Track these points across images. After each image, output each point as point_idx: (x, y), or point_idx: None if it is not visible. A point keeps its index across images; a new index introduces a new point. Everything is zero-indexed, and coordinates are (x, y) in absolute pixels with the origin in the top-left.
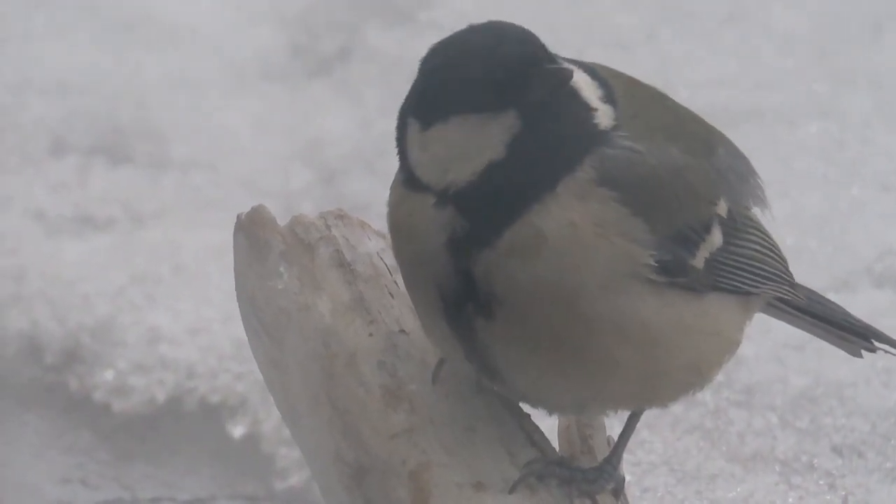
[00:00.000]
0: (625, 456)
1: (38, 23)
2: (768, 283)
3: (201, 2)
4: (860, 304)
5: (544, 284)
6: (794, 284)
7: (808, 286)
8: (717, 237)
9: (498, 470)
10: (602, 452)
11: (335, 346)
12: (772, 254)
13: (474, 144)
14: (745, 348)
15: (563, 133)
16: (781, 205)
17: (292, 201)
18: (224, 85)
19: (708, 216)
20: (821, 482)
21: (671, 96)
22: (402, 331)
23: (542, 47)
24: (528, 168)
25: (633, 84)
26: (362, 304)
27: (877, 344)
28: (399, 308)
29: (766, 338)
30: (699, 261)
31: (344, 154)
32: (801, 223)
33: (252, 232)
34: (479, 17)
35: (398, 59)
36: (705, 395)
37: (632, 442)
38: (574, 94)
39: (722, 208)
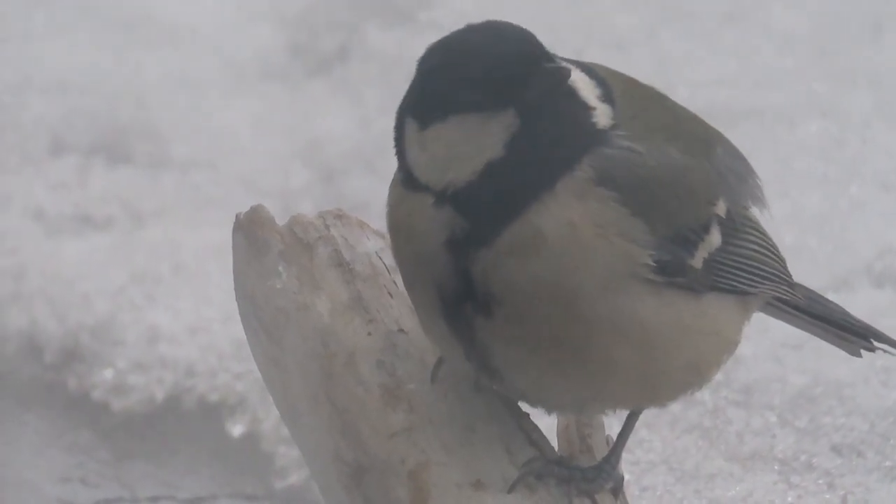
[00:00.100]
0: (623, 455)
1: (38, 22)
2: (767, 282)
3: (201, 2)
4: (860, 304)
5: (543, 284)
6: (792, 284)
7: (808, 285)
8: (715, 237)
9: (497, 469)
10: (601, 451)
11: (334, 345)
12: (770, 253)
13: (473, 144)
14: (744, 348)
15: (561, 132)
16: (781, 204)
17: (292, 201)
18: (224, 84)
19: (707, 216)
20: (820, 481)
21: (671, 96)
22: (401, 330)
23: (540, 46)
24: (526, 167)
25: (631, 84)
26: (361, 303)
27: (876, 343)
28: (398, 307)
29: (764, 337)
30: (698, 261)
31: (343, 153)
32: (801, 222)
33: (251, 231)
34: (479, 16)
35: (398, 59)
36: (704, 395)
37: (631, 441)
38: (572, 93)
39: (721, 208)
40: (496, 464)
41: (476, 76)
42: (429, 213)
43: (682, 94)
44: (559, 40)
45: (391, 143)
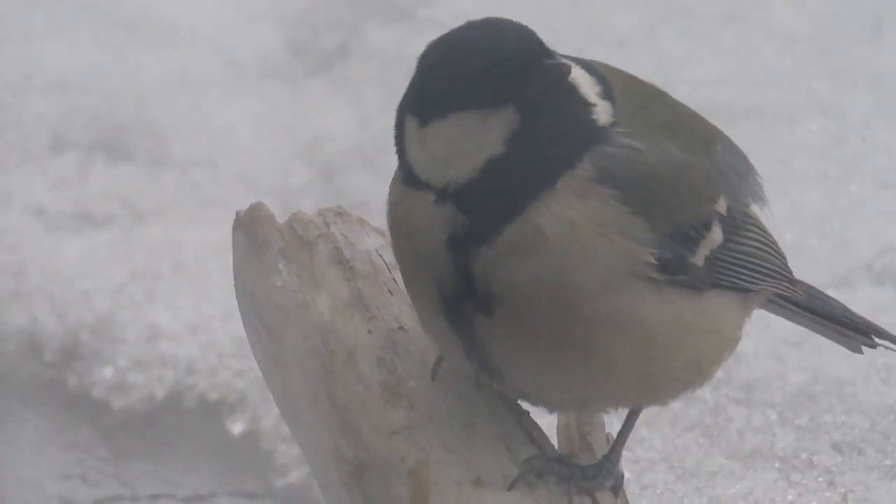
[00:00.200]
0: (624, 453)
1: (38, 21)
2: (768, 279)
3: (201, 2)
4: (860, 301)
5: (543, 283)
6: (793, 281)
7: (808, 283)
8: (716, 234)
9: (497, 467)
10: (601, 449)
11: (334, 343)
12: (771, 250)
13: (473, 141)
14: (745, 345)
15: (562, 129)
16: (781, 202)
17: (291, 199)
18: (224, 83)
19: (707, 214)
20: (820, 479)
21: (671, 95)
22: (401, 328)
23: (540, 43)
24: (527, 164)
25: (631, 81)
26: (361, 301)
27: (877, 340)
28: (398, 305)
29: (765, 334)
30: (699, 258)
31: (343, 151)
32: (801, 220)
33: (251, 229)
34: (479, 14)
35: (398, 57)
36: (705, 392)
37: (631, 439)
38: (572, 90)
39: (721, 206)
40: (496, 462)
41: (476, 73)
42: (429, 211)
43: (683, 93)
44: (559, 39)
45: (391, 141)
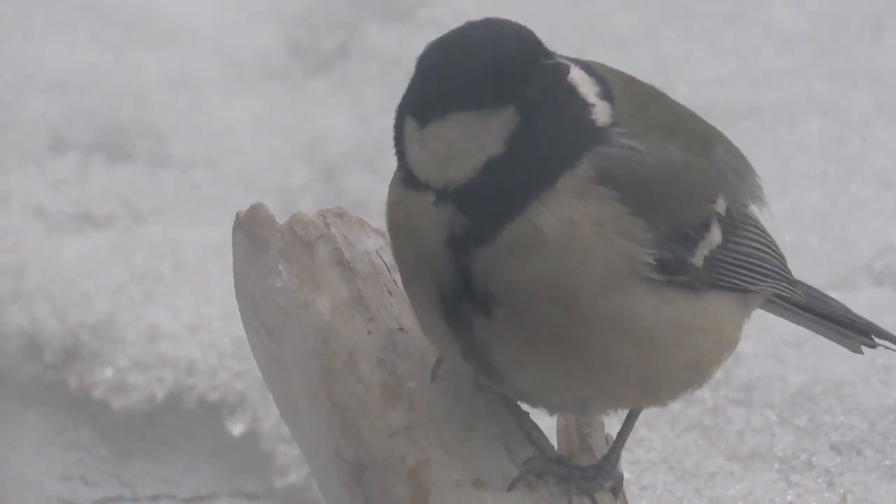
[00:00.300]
0: (623, 454)
1: (38, 21)
2: (767, 280)
3: (201, 2)
4: (860, 302)
5: (543, 283)
6: (792, 281)
7: (808, 283)
8: (716, 235)
9: (497, 467)
10: (601, 450)
11: (334, 343)
12: (770, 251)
13: (473, 141)
14: (744, 346)
15: (561, 129)
16: (781, 203)
17: (292, 199)
18: (224, 83)
19: (707, 214)
20: (819, 480)
21: (671, 95)
22: (401, 329)
23: (539, 43)
24: (527, 164)
25: (630, 82)
26: (361, 301)
27: (877, 340)
28: (398, 306)
29: (764, 335)
30: (698, 259)
31: (343, 152)
32: (801, 221)
33: (251, 230)
34: (479, 15)
35: (398, 57)
36: (704, 393)
37: (630, 440)
38: (572, 90)
39: (720, 206)
40: (496, 462)
41: (475, 73)
42: (429, 212)
43: (683, 93)
44: (559, 39)
45: (391, 141)
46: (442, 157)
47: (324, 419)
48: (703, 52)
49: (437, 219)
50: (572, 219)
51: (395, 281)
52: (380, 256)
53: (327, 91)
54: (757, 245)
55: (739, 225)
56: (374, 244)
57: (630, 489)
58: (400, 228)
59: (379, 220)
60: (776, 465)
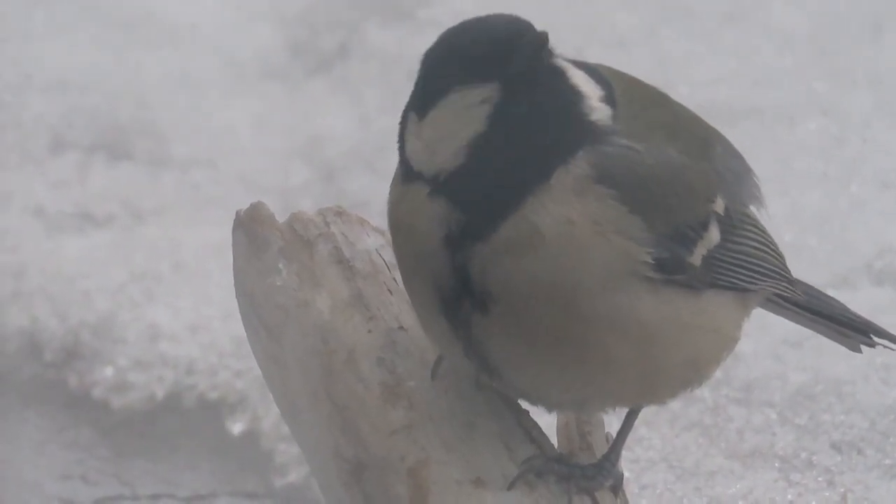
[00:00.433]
0: (623, 453)
1: (38, 21)
2: (766, 279)
3: (201, 2)
4: (860, 302)
5: (540, 282)
6: (792, 281)
7: (808, 283)
8: (714, 235)
9: (497, 466)
10: (601, 449)
11: (334, 342)
12: (769, 250)
13: (458, 121)
14: (744, 345)
15: (546, 110)
16: (781, 202)
17: (291, 198)
18: (224, 83)
19: (705, 214)
20: (820, 479)
21: (671, 95)
22: (401, 327)
23: (531, 27)
24: (512, 147)
25: (633, 84)
26: (361, 300)
27: (876, 339)
28: (398, 305)
29: (764, 334)
30: (697, 258)
31: (343, 151)
32: (801, 221)
33: (251, 229)
34: (479, 14)
35: (398, 57)
36: (704, 392)
37: (630, 439)
38: (558, 72)
39: (719, 206)
40: (496, 461)
41: (465, 55)
42: (425, 208)
43: (683, 93)
44: (559, 39)
45: (391, 141)
46: (432, 142)
47: (323, 418)
48: (703, 52)
49: (433, 215)
50: (570, 217)
51: (395, 279)
52: (380, 255)
53: (327, 91)
54: (756, 245)
55: (738, 225)
56: (373, 243)
57: (630, 488)
58: (400, 227)
59: (379, 220)
60: (776, 464)
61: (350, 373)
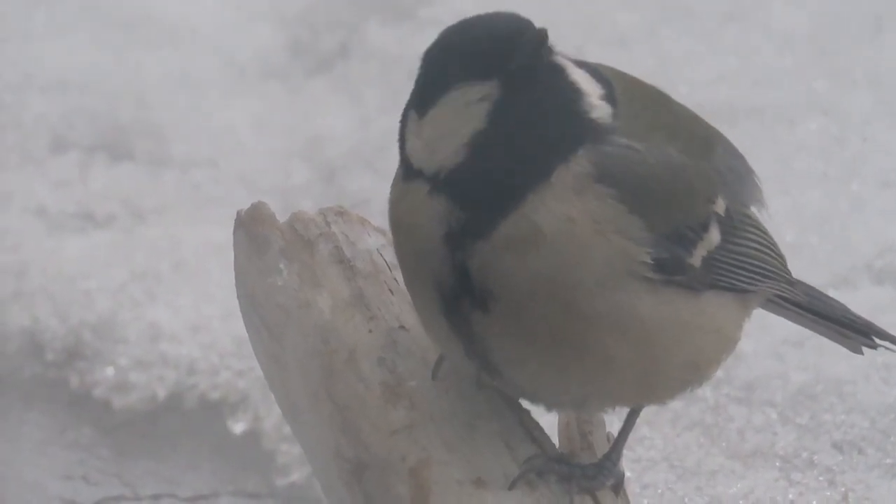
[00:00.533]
0: (624, 452)
1: (39, 22)
2: (767, 280)
3: (201, 2)
4: (860, 301)
5: (540, 280)
6: (792, 282)
7: (809, 283)
8: (714, 235)
9: (498, 466)
10: (602, 449)
11: (335, 342)
12: (770, 252)
13: (459, 119)
14: (745, 345)
15: (546, 107)
16: (781, 202)
17: (292, 198)
18: (224, 83)
19: (706, 214)
20: (821, 478)
21: (671, 94)
22: (402, 327)
23: (531, 24)
24: (513, 144)
25: (633, 84)
26: (362, 300)
27: (877, 340)
28: (399, 304)
29: (765, 334)
30: (697, 259)
31: (344, 151)
32: (802, 220)
33: (252, 228)
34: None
35: (398, 57)
36: (705, 392)
37: (631, 438)
38: (558, 70)
39: (720, 206)
40: (497, 461)
41: (465, 53)
42: (426, 206)
43: (683, 93)
44: (560, 38)
45: (392, 141)
46: (432, 140)
47: (324, 418)
48: (703, 51)
49: (433, 213)
50: (570, 216)
51: (395, 279)
52: (380, 255)
53: (327, 91)
54: (756, 246)
55: (739, 226)
56: (374, 242)
57: (631, 487)
58: (400, 225)
59: (380, 219)
60: (777, 464)
61: (351, 373)
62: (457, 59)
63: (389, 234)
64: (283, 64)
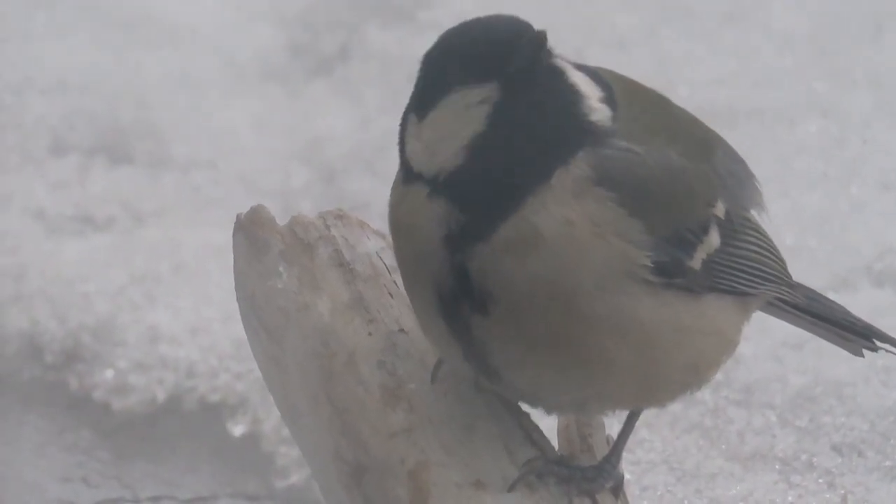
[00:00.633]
0: (624, 454)
1: (39, 22)
2: (766, 283)
3: (201, 2)
4: (860, 303)
5: (540, 282)
6: (792, 285)
7: (809, 285)
8: (714, 238)
9: (497, 468)
10: (601, 451)
11: (334, 345)
12: (770, 255)
13: (459, 121)
14: (744, 347)
15: (546, 110)
16: (781, 204)
17: (292, 201)
18: (224, 84)
19: (705, 217)
20: (820, 481)
21: (671, 96)
22: (402, 330)
23: (530, 27)
24: (512, 147)
25: (633, 87)
26: (361, 303)
27: (878, 343)
28: (398, 307)
29: (764, 337)
30: (696, 262)
31: (343, 153)
32: (801, 222)
33: (251, 231)
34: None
35: (398, 59)
36: (704, 394)
37: (631, 440)
38: (557, 72)
39: (720, 210)
40: (496, 463)
41: (464, 56)
42: (425, 208)
43: (683, 94)
44: (559, 40)
45: (392, 142)
46: (432, 143)
47: (324, 421)
48: (703, 52)
49: (433, 215)
50: (570, 218)
51: (395, 282)
52: (380, 258)
53: (327, 92)
54: (756, 249)
55: (739, 229)
56: (374, 245)
57: (631, 490)
58: (400, 228)
59: (379, 222)
60: (777, 466)
61: (350, 375)
62: (456, 61)
63: (389, 238)
64: (283, 65)
